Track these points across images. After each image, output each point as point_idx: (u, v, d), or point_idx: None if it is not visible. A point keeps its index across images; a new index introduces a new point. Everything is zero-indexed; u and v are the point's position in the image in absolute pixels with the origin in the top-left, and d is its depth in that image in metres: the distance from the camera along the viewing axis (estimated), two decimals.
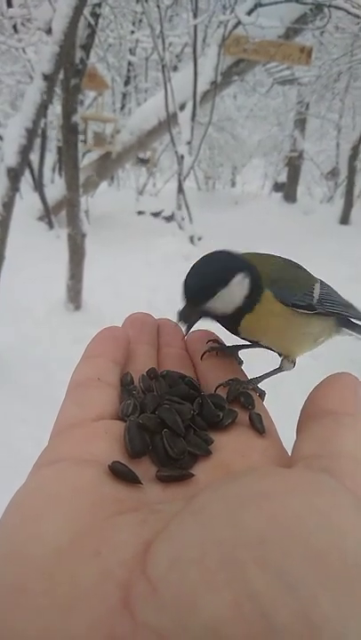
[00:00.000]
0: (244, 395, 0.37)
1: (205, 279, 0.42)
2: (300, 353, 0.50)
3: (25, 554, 0.22)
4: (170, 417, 0.33)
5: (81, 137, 3.97)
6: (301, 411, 0.33)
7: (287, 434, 0.33)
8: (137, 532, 0.24)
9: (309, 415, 0.31)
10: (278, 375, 0.49)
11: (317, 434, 0.29)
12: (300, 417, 0.32)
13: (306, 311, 0.47)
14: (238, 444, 0.33)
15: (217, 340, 0.45)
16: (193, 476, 0.30)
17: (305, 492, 0.23)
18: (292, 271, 0.50)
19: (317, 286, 0.50)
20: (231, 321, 0.45)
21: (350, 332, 0.56)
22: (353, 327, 0.56)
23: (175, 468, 0.30)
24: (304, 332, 0.49)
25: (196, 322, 0.44)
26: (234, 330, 0.46)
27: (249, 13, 4.51)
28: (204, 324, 0.46)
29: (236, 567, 0.20)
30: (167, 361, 0.42)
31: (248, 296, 0.44)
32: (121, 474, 0.28)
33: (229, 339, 0.46)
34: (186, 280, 0.43)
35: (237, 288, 0.43)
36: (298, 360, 0.52)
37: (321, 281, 0.52)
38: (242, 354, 0.47)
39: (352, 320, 0.54)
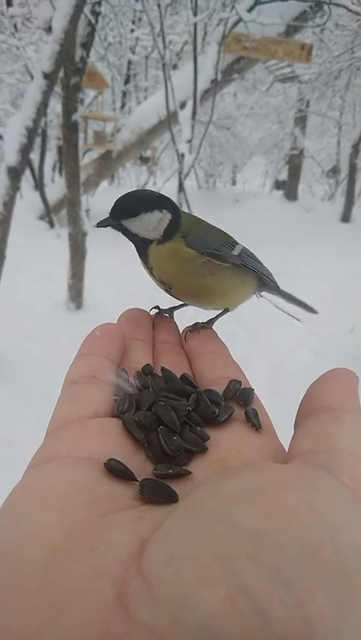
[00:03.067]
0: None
1: (135, 201, 0.50)
2: (224, 302, 0.54)
3: (20, 552, 0.22)
4: (165, 414, 0.33)
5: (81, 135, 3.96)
6: (299, 406, 0.32)
7: (288, 431, 0.33)
8: (132, 529, 0.24)
9: (307, 411, 0.31)
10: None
11: (315, 430, 0.29)
12: (298, 412, 0.32)
13: (221, 262, 0.51)
14: (234, 440, 0.33)
15: (158, 307, 0.50)
16: (190, 473, 0.30)
17: (300, 488, 0.23)
18: (213, 229, 0.55)
19: (240, 246, 0.55)
20: (141, 250, 0.51)
21: (269, 293, 0.61)
22: (271, 290, 0.60)
23: (172, 465, 0.30)
24: (220, 280, 0.52)
25: (107, 226, 0.51)
26: (147, 263, 0.51)
27: (249, 11, 4.49)
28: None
29: (230, 563, 0.20)
30: (163, 357, 0.42)
31: (163, 234, 0.50)
32: (117, 471, 0.28)
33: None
34: (119, 198, 0.50)
35: (156, 220, 0.50)
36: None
37: (245, 247, 0.57)
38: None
39: (270, 284, 0.58)
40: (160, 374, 0.38)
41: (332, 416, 0.29)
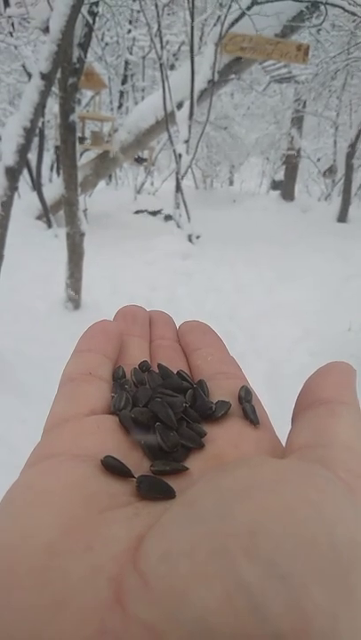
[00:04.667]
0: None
1: None
2: None
3: (15, 551, 0.22)
4: (162, 410, 0.33)
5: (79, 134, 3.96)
6: (297, 400, 0.32)
7: (286, 428, 0.33)
8: (129, 525, 0.24)
9: (304, 404, 0.31)
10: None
11: (312, 423, 0.29)
12: (295, 406, 0.32)
13: None
14: (231, 436, 0.33)
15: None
16: (187, 469, 0.30)
17: (297, 483, 0.23)
18: None
19: None
20: None
21: None
22: None
23: (169, 462, 0.30)
24: None
25: None
26: None
27: (247, 9, 4.51)
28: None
29: (226, 559, 0.20)
30: (160, 353, 0.42)
31: None
32: (113, 468, 0.28)
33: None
34: None
35: None
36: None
37: None
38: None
39: None
40: (157, 370, 0.38)
41: (329, 409, 0.29)
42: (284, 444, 0.31)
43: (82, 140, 5.78)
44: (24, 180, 6.56)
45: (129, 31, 7.46)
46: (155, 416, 0.33)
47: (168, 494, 0.27)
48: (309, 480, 0.23)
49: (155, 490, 0.27)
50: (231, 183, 14.55)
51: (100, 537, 0.23)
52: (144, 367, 0.38)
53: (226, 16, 4.49)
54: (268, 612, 0.18)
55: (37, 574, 0.21)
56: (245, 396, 0.36)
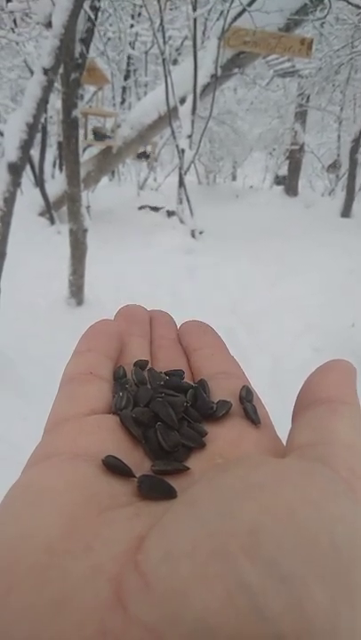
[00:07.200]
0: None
1: None
2: None
3: (15, 551, 0.22)
4: (163, 410, 0.33)
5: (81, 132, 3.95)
6: (297, 399, 0.32)
7: (288, 426, 0.33)
8: (130, 525, 0.24)
9: (305, 403, 0.31)
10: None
11: (312, 422, 0.29)
12: (295, 405, 0.32)
13: None
14: (232, 435, 0.33)
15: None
16: (188, 469, 0.30)
17: (297, 482, 0.23)
18: None
19: None
20: None
21: None
22: None
23: (170, 461, 0.30)
24: None
25: None
26: None
27: (249, 5, 4.49)
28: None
29: (226, 559, 0.20)
30: (160, 353, 0.42)
31: None
32: (114, 468, 0.27)
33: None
34: None
35: None
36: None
37: None
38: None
39: None
40: (158, 370, 0.38)
41: (330, 408, 0.29)
42: (284, 442, 0.31)
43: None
44: (27, 176, 6.55)
45: (131, 26, 7.43)
46: (156, 416, 0.32)
47: (169, 494, 0.27)
48: (310, 479, 0.23)
49: (156, 490, 0.27)
50: (234, 178, 14.51)
51: (100, 537, 0.23)
52: (145, 367, 0.38)
53: (229, 10, 4.47)
54: (269, 611, 0.18)
55: (37, 574, 0.21)
56: (246, 395, 0.36)
